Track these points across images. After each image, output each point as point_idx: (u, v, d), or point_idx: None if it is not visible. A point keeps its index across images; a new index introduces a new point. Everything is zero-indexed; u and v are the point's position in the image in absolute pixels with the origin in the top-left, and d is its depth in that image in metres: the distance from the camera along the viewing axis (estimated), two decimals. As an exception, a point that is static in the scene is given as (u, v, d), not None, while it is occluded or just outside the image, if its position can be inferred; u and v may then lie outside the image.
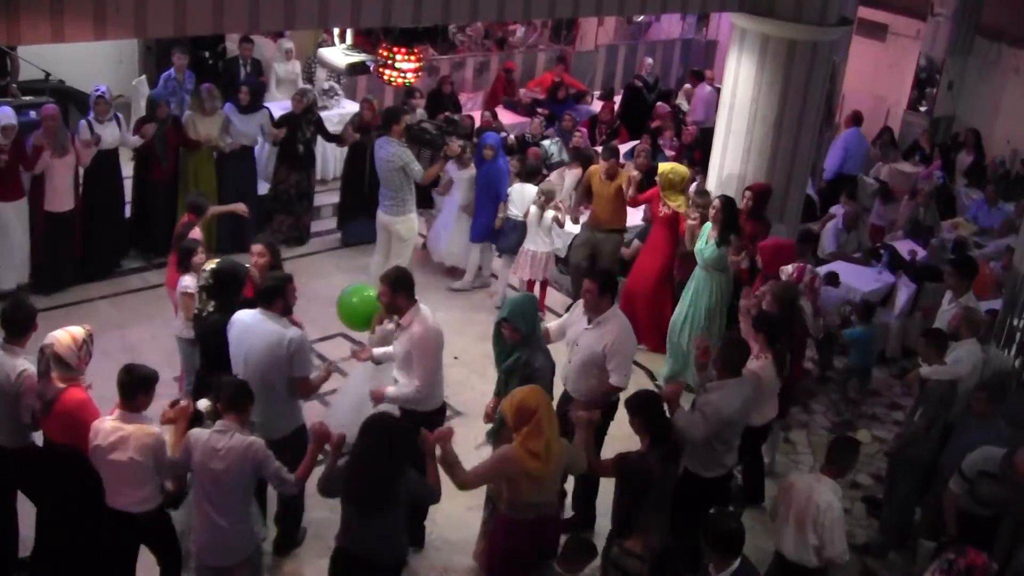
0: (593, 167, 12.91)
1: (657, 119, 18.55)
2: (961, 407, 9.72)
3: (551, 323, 9.32)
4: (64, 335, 7.44)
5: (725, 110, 12.34)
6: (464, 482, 7.39)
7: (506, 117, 18.26)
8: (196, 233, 10.42)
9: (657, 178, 12.39)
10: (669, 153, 17.03)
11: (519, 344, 8.29)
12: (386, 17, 9.81)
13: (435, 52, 19.55)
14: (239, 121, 13.56)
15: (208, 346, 8.64)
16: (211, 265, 8.90)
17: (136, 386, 7.23)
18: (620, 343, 8.67)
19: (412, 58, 13.26)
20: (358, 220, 14.17)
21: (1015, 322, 10.21)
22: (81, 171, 12.28)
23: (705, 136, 18.49)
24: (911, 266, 13.96)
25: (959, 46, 19.85)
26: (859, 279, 13.72)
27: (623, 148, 17.10)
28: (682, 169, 12.57)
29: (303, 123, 13.99)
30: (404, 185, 12.17)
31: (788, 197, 12.12)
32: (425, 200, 14.10)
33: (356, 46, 15.70)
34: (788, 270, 11.01)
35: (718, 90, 20.13)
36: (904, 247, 14.69)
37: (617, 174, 12.56)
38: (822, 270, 13.71)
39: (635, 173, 12.64)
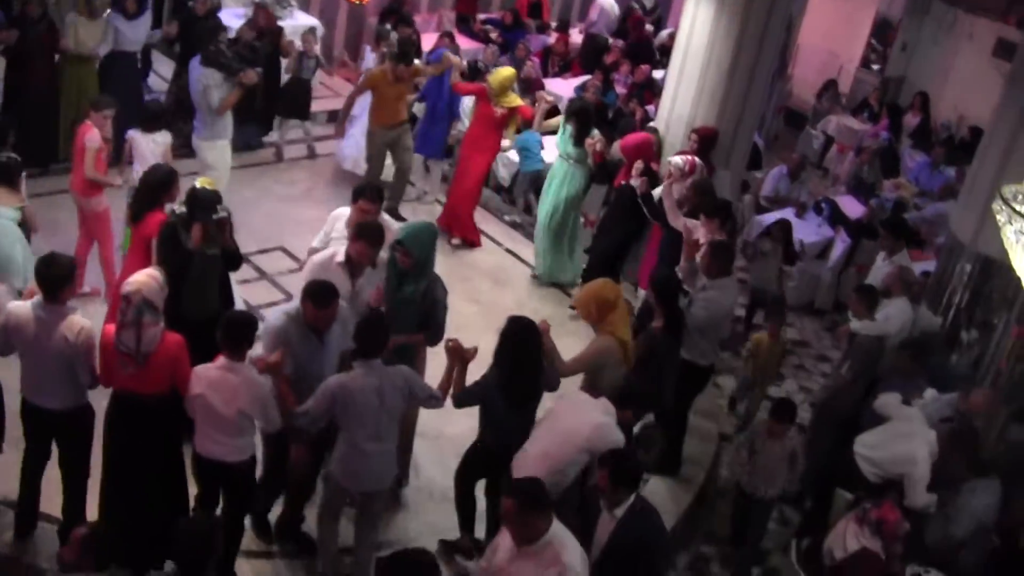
0: (378, 69, 13.09)
1: (613, 54, 18.52)
2: (887, 363, 9.88)
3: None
4: (146, 278, 7.09)
5: (679, 53, 12.31)
6: (563, 370, 8.18)
7: (461, 42, 18.11)
8: (95, 133, 10.23)
9: (496, 84, 12.75)
10: (620, 91, 17.01)
11: (411, 273, 8.26)
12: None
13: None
14: (125, 28, 12.96)
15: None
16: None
17: (241, 333, 7.12)
18: None
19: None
20: (247, 125, 13.91)
21: (947, 284, 10.38)
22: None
23: (594, 44, 19.25)
24: (850, 222, 14.11)
25: (916, 7, 19.90)
26: (798, 230, 13.85)
27: (575, 81, 17.13)
28: (510, 71, 13.23)
29: (206, 27, 13.09)
30: (209, 109, 11.55)
31: (735, 144, 12.14)
32: (302, 110, 14.60)
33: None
34: (678, 162, 11.13)
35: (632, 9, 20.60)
36: (845, 203, 14.83)
37: (406, 76, 12.82)
38: (765, 218, 13.86)
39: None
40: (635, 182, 11.31)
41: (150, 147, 10.59)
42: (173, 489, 7.58)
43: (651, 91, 16.21)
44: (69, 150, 12.42)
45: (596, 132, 12.25)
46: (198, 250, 8.18)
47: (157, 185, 9.03)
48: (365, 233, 8.10)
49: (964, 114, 19.04)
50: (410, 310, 8.21)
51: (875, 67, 20.68)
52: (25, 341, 7.22)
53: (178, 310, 7.83)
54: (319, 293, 7.36)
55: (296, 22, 16.04)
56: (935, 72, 19.94)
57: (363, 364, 7.20)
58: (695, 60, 12.00)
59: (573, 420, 7.43)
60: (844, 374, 9.96)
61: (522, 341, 7.74)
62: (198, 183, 8.70)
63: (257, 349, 7.43)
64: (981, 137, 11.60)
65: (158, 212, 8.91)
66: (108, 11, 12.83)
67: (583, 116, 12.20)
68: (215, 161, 11.61)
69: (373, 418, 7.23)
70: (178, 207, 8.56)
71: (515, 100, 12.92)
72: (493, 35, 18.69)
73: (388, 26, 15.29)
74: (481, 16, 20.01)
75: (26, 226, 9.31)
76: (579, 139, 12.13)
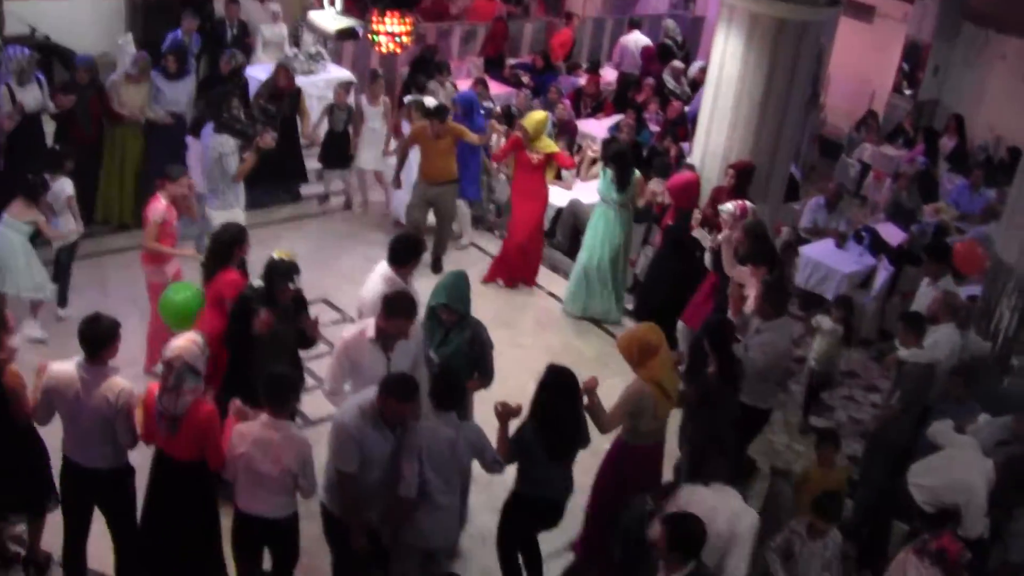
0: (420, 124, 13.22)
1: (643, 92, 18.54)
2: (938, 390, 9.79)
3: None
4: (187, 343, 7.08)
5: (711, 87, 12.34)
6: (605, 424, 8.15)
7: (492, 87, 18.22)
8: (160, 205, 10.29)
9: (523, 131, 12.90)
10: (654, 128, 17.02)
11: (456, 325, 8.32)
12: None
13: (422, 20, 19.50)
14: (167, 88, 13.28)
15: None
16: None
17: (284, 391, 7.10)
18: None
19: (402, 22, 13.18)
20: (260, 185, 13.70)
21: (995, 308, 10.27)
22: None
23: (627, 83, 19.37)
24: (891, 249, 14.02)
25: (946, 30, 19.86)
26: (839, 260, 13.78)
27: (608, 121, 17.14)
28: (542, 113, 13.32)
29: (229, 88, 13.29)
30: (224, 177, 11.50)
31: (771, 176, 12.13)
32: (340, 160, 14.69)
33: (346, 11, 15.70)
34: (729, 208, 11.09)
35: (661, 47, 20.63)
36: (885, 230, 14.74)
37: (445, 133, 12.90)
38: (804, 250, 13.80)
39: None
40: (697, 233, 11.36)
41: (199, 151, 11.45)
42: (209, 551, 7.63)
43: (684, 127, 16.22)
44: (110, 211, 12.65)
45: (637, 173, 12.34)
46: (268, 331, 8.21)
47: (229, 241, 9.15)
48: (396, 309, 7.84)
49: (1001, 135, 18.95)
50: (461, 360, 8.21)
51: (908, 92, 20.60)
52: (66, 401, 7.25)
53: (245, 380, 7.86)
54: (402, 387, 7.08)
55: (329, 75, 16.22)
56: (969, 94, 19.86)
57: (438, 416, 7.19)
58: (727, 94, 12.01)
59: (711, 522, 7.42)
60: (895, 403, 9.87)
61: (559, 390, 7.72)
62: (275, 254, 8.60)
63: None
64: (1019, 157, 11.53)
65: (230, 270, 9.02)
66: (151, 73, 13.03)
67: (621, 159, 12.31)
68: None
69: (444, 469, 7.21)
70: (256, 282, 8.55)
71: (550, 146, 12.99)
72: (524, 79, 18.79)
73: (379, 70, 15.56)
74: (511, 60, 20.12)
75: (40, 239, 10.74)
76: (621, 183, 12.22)
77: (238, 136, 11.59)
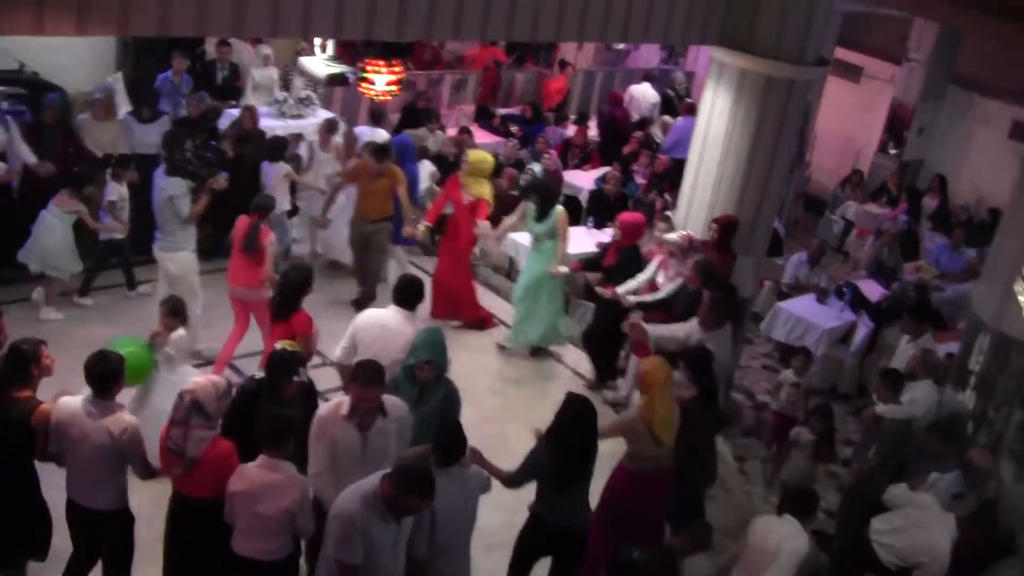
0: (362, 162, 13.21)
1: (631, 145, 18.68)
2: (915, 446, 9.85)
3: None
4: (206, 383, 7.15)
5: (699, 141, 12.42)
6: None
7: (481, 136, 18.35)
8: (267, 234, 10.46)
9: (464, 165, 13.17)
10: (640, 181, 17.14)
11: (432, 382, 8.12)
12: (368, 29, 9.85)
13: (412, 67, 19.65)
14: (140, 131, 13.27)
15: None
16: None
17: (282, 432, 6.98)
18: None
19: (392, 71, 13.31)
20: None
21: (971, 366, 10.32)
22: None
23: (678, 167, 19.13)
24: (872, 306, 14.11)
25: (932, 92, 20.10)
26: (820, 315, 13.86)
27: (595, 173, 17.27)
28: (488, 158, 13.49)
29: (196, 131, 13.35)
30: (174, 219, 11.24)
31: (755, 231, 12.19)
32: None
33: (337, 57, 15.81)
34: (675, 239, 11.24)
35: (664, 99, 21.05)
36: (867, 287, 14.85)
37: (384, 173, 12.90)
38: (785, 305, 13.89)
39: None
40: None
41: (275, 175, 12.42)
42: None
43: (670, 180, 16.35)
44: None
45: (560, 208, 12.59)
46: None
47: (301, 283, 9.25)
48: (372, 377, 7.43)
49: (982, 196, 19.15)
50: (435, 419, 7.84)
51: (893, 151, 20.78)
52: (71, 437, 7.20)
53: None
54: (425, 483, 6.57)
55: (318, 120, 16.25)
56: (953, 155, 20.07)
57: (444, 472, 6.99)
58: (714, 148, 12.09)
59: (765, 541, 7.80)
60: (870, 458, 9.93)
61: (579, 420, 7.81)
62: (278, 345, 8.19)
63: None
64: (1000, 218, 11.63)
65: (301, 311, 9.13)
66: (123, 112, 13.09)
67: (539, 191, 12.80)
68: (181, 271, 11.36)
69: (459, 521, 7.22)
70: (259, 373, 8.22)
71: (482, 190, 13.07)
72: (513, 129, 18.93)
73: (338, 117, 15.69)
74: (501, 111, 20.27)
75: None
76: (540, 214, 12.48)
77: (191, 178, 11.54)
